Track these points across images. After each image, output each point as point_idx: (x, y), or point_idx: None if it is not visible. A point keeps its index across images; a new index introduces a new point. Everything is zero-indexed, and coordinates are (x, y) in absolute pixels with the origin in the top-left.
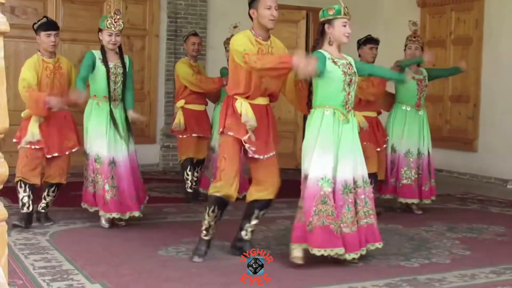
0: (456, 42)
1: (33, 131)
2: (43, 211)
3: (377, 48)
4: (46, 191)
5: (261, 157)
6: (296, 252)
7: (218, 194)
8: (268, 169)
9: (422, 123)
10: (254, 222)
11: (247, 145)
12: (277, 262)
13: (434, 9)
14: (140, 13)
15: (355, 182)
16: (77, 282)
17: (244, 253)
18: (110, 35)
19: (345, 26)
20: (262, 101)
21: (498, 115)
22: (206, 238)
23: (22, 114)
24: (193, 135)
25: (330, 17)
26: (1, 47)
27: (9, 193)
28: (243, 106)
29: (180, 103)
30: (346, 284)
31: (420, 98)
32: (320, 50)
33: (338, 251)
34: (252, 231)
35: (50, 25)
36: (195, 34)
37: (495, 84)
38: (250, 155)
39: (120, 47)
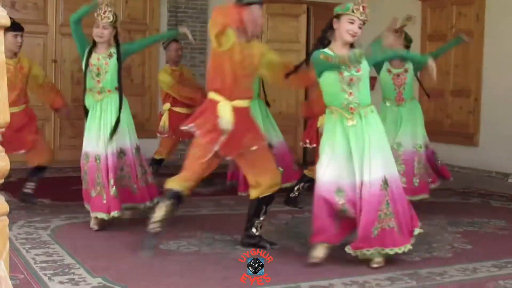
0: None
1: None
2: None
3: None
4: None
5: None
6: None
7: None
8: (258, 165)
9: (400, 118)
10: (262, 218)
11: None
12: (278, 256)
13: (435, 3)
14: (140, 8)
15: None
16: (78, 276)
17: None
18: (97, 27)
19: (352, 23)
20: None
21: (499, 109)
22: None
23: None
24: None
25: (340, 12)
26: (1, 41)
27: (10, 187)
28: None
29: (166, 106)
30: (347, 278)
31: (400, 92)
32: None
33: None
34: (261, 226)
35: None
36: (176, 41)
37: (496, 79)
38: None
39: (116, 38)
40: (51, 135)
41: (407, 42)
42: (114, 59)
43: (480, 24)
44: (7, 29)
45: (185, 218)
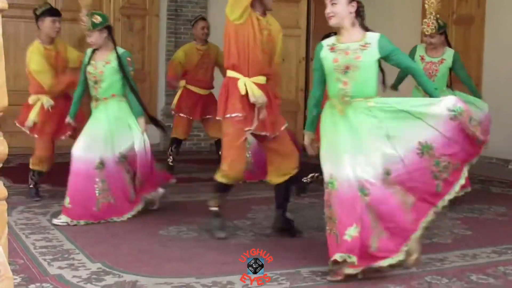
0: (458, 22)
1: None
2: None
3: None
4: None
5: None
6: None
7: (226, 181)
8: (280, 149)
9: None
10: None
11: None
12: (278, 243)
13: None
14: None
15: None
16: (78, 261)
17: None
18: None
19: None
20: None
21: (500, 95)
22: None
23: None
24: (181, 114)
25: None
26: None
27: (10, 173)
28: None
29: (182, 83)
30: None
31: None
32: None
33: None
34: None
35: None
36: (204, 19)
37: (497, 65)
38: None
39: (113, 43)
40: None
41: (441, 28)
42: (110, 66)
43: (481, 10)
44: (45, 15)
45: (185, 204)
